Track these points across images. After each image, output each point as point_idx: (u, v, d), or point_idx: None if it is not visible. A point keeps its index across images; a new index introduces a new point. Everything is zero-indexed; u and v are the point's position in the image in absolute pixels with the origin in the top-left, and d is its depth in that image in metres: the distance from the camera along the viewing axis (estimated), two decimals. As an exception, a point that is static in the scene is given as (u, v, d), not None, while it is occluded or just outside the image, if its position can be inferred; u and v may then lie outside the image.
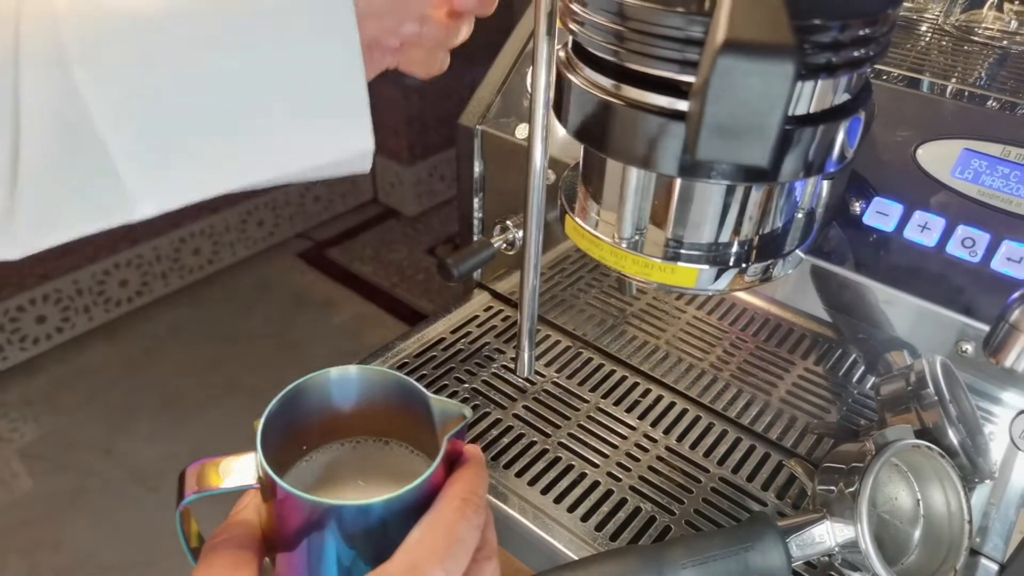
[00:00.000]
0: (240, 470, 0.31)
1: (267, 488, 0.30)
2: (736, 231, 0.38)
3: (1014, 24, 0.58)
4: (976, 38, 0.58)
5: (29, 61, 0.32)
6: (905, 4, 0.64)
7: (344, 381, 0.34)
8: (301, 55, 0.35)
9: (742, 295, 0.52)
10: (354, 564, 0.30)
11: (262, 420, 0.31)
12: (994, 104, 0.46)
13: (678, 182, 0.36)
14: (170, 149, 0.34)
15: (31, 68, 0.32)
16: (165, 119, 0.34)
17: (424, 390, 0.33)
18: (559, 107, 0.37)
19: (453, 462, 0.32)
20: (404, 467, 0.31)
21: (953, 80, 0.50)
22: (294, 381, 0.34)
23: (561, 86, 0.37)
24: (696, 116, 0.25)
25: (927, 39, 0.58)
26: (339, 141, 0.37)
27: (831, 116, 0.34)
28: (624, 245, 0.38)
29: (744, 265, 0.38)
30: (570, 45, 0.37)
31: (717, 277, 0.38)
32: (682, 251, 0.38)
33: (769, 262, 0.39)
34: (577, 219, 0.40)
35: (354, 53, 0.35)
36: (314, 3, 0.35)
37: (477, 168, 0.63)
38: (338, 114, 0.36)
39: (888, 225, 0.45)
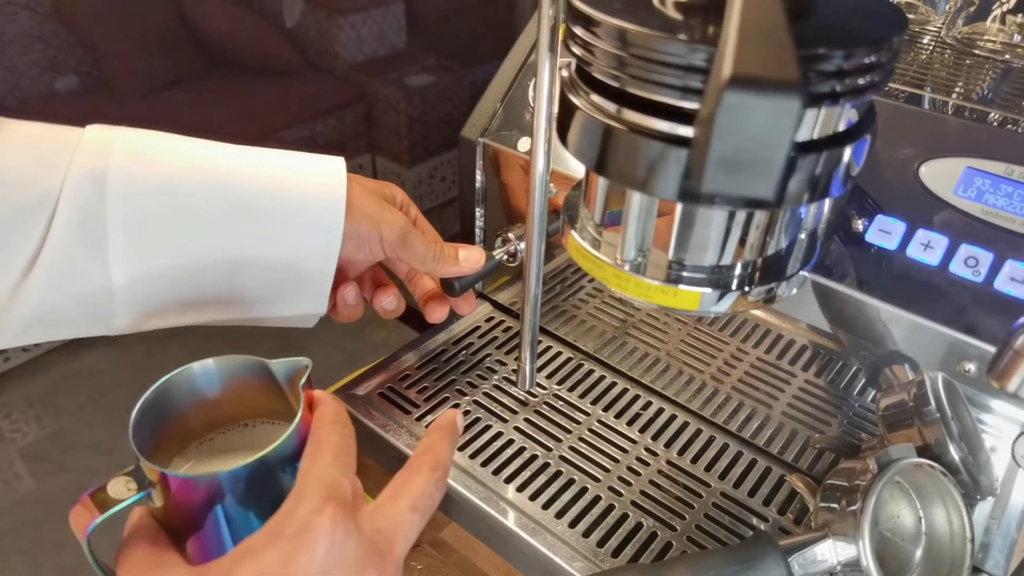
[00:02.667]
0: (128, 484, 0.33)
1: (161, 485, 0.32)
2: (739, 254, 0.38)
3: (1017, 37, 0.58)
4: (979, 51, 0.58)
5: (72, 189, 0.39)
6: (908, 16, 0.64)
7: (205, 374, 0.37)
8: (294, 249, 0.45)
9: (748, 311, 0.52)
10: (256, 521, 0.33)
11: (131, 426, 0.33)
12: (996, 122, 0.46)
13: (680, 206, 0.36)
14: (161, 285, 0.42)
15: (71, 195, 0.39)
16: (166, 264, 0.42)
17: (264, 360, 0.36)
18: (562, 128, 0.37)
19: (313, 409, 0.35)
20: (274, 437, 0.33)
21: (955, 96, 0.49)
22: (261, 361, 0.37)
23: (564, 107, 0.37)
24: (701, 148, 0.24)
25: (929, 52, 0.58)
26: (301, 308, 0.47)
27: (836, 142, 0.34)
28: (627, 267, 0.38)
29: (747, 288, 0.38)
30: (573, 66, 0.37)
31: (720, 299, 0.38)
32: (685, 274, 0.38)
33: (772, 284, 0.39)
34: (580, 239, 0.40)
35: (333, 256, 0.46)
36: (317, 214, 0.45)
37: (479, 180, 0.63)
38: (307, 293, 0.46)
39: (891, 243, 0.45)
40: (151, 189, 0.41)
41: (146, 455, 0.32)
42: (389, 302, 0.53)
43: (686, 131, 0.32)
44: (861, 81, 0.31)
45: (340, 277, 0.51)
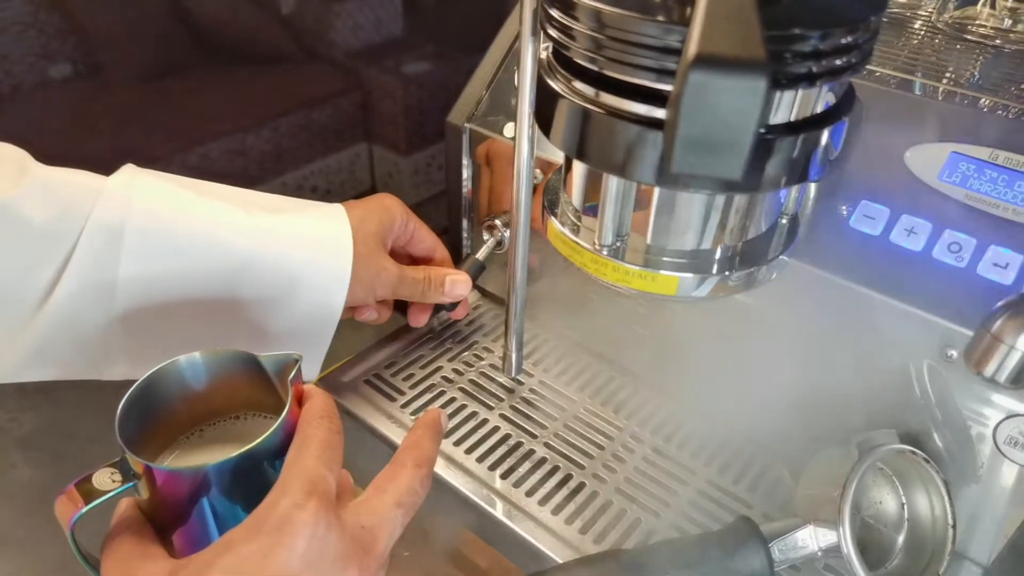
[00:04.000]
0: (113, 476, 0.33)
1: (146, 477, 0.32)
2: (718, 238, 0.37)
3: (1008, 22, 0.57)
4: (969, 36, 0.57)
5: (89, 238, 0.40)
6: (899, 1, 0.63)
7: (193, 367, 0.37)
8: (300, 314, 0.48)
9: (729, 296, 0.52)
10: (242, 514, 0.32)
11: (116, 419, 0.33)
12: (983, 107, 0.45)
13: (658, 190, 0.36)
14: (160, 339, 0.44)
15: (88, 244, 0.40)
16: (169, 322, 0.43)
17: (254, 354, 0.36)
18: (539, 112, 0.37)
19: (301, 404, 0.36)
20: (263, 431, 0.33)
21: (944, 81, 0.49)
22: (251, 355, 0.37)
23: (541, 91, 0.36)
24: (671, 129, 0.24)
25: (920, 37, 0.58)
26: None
27: (813, 124, 0.33)
28: (605, 252, 0.37)
29: (727, 272, 0.38)
30: (551, 49, 0.37)
31: (699, 284, 0.38)
32: (663, 258, 0.37)
33: (752, 269, 0.39)
34: (559, 224, 0.40)
35: (334, 321, 0.49)
36: (322, 282, 0.48)
37: (466, 166, 0.63)
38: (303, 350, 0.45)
39: (875, 229, 0.44)
40: (163, 251, 0.42)
41: (134, 447, 0.32)
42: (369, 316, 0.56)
43: (661, 114, 0.31)
44: (838, 62, 0.31)
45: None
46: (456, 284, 0.58)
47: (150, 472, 0.32)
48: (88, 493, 0.32)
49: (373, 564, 0.32)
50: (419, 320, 0.60)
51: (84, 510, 0.32)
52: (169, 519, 0.33)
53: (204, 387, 0.37)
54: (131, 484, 0.32)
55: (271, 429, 0.33)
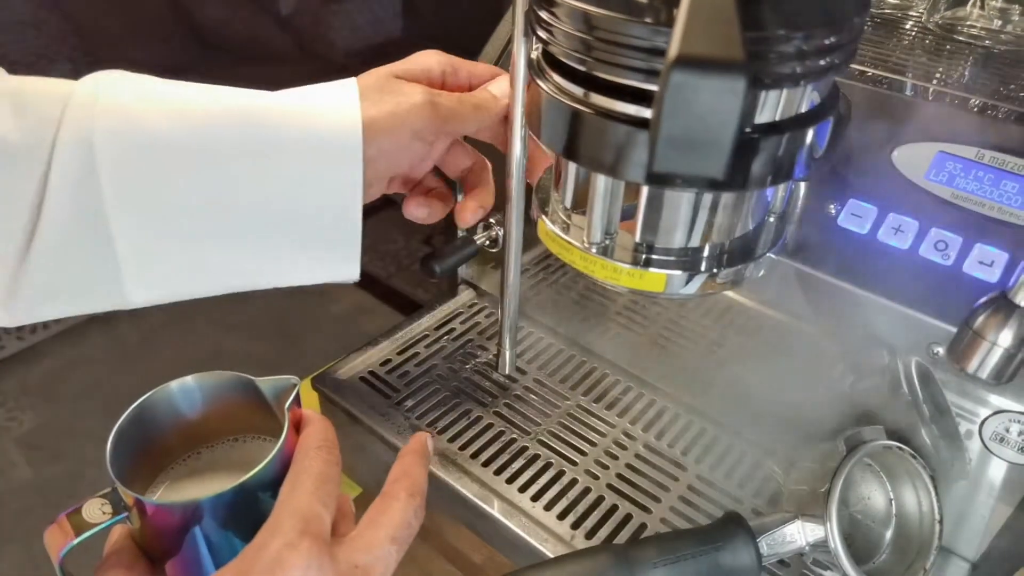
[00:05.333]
0: (103, 507, 0.32)
1: (137, 510, 0.32)
2: (705, 236, 0.38)
3: (998, 22, 0.58)
4: (960, 36, 0.58)
5: (62, 157, 0.36)
6: (890, 1, 0.63)
7: (185, 392, 0.36)
8: (306, 194, 0.38)
9: (718, 294, 0.52)
10: (238, 544, 0.32)
11: (108, 450, 0.32)
12: (971, 106, 0.46)
13: (645, 188, 0.36)
14: (170, 253, 0.38)
15: (62, 164, 0.36)
16: (171, 228, 0.38)
17: (251, 377, 0.35)
18: (529, 112, 0.37)
19: (299, 429, 0.35)
20: (261, 455, 0.33)
21: (933, 82, 0.49)
22: (248, 379, 0.36)
23: (530, 91, 0.37)
24: (654, 129, 0.25)
25: (910, 38, 0.58)
26: (328, 270, 0.40)
27: (798, 123, 0.34)
28: (594, 250, 0.38)
29: (715, 270, 0.38)
30: (540, 50, 0.37)
31: (687, 282, 0.38)
32: (652, 256, 0.38)
33: (740, 266, 0.39)
34: (549, 223, 0.41)
35: (356, 198, 0.39)
36: (325, 148, 0.38)
37: (461, 165, 0.63)
38: (332, 248, 0.40)
39: (863, 227, 0.45)
40: (139, 149, 0.37)
41: (129, 474, 0.32)
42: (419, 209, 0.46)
43: (648, 113, 0.32)
44: (822, 62, 0.32)
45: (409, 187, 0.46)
46: (496, 85, 0.45)
47: (141, 505, 0.31)
48: (78, 525, 0.32)
49: None
50: (467, 216, 0.46)
51: (74, 543, 0.31)
52: (161, 550, 0.33)
53: (198, 412, 0.36)
54: (122, 516, 0.32)
55: (266, 460, 0.32)
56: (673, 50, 0.23)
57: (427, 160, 0.44)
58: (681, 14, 0.25)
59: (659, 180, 0.33)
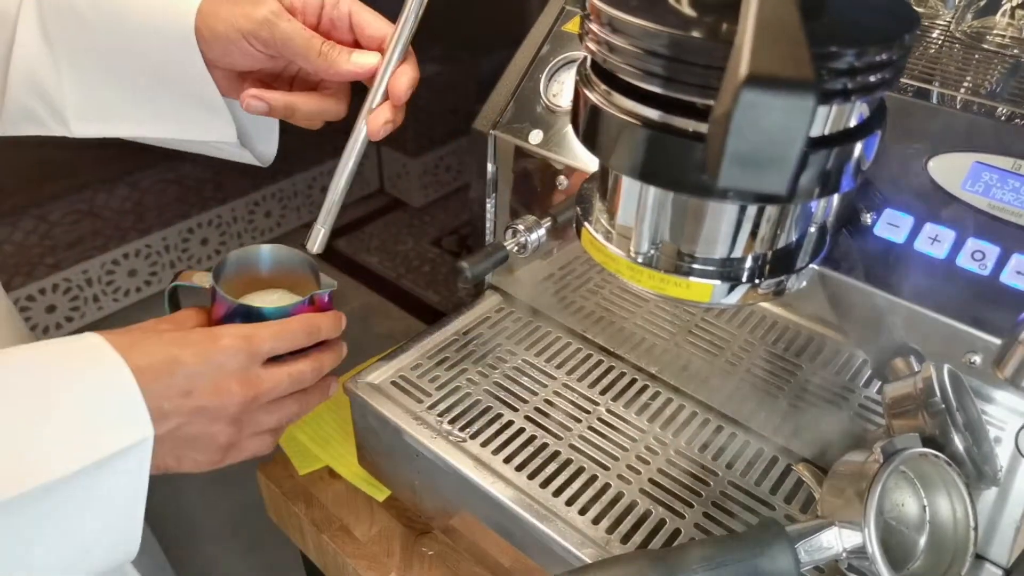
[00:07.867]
0: (202, 279, 0.50)
1: (211, 292, 0.49)
2: (750, 247, 0.38)
3: (1026, 32, 0.58)
4: (988, 45, 0.58)
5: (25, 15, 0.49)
6: (917, 10, 0.64)
7: (271, 252, 0.54)
8: (155, 48, 0.48)
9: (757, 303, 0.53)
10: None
11: (215, 266, 0.50)
12: (1004, 117, 0.46)
13: (693, 200, 0.36)
14: (91, 93, 0.50)
15: (25, 21, 0.49)
16: (94, 78, 0.50)
17: (315, 264, 0.53)
18: (577, 124, 0.38)
19: (322, 310, 0.50)
20: (285, 303, 0.49)
21: (963, 91, 0.50)
22: (312, 260, 0.53)
23: (579, 104, 0.37)
24: (717, 145, 0.25)
25: (938, 46, 0.58)
26: (203, 126, 0.52)
27: (848, 137, 0.34)
28: (640, 260, 0.38)
29: (758, 280, 0.39)
30: (588, 63, 0.38)
31: (730, 291, 0.39)
32: (696, 266, 0.38)
33: (782, 277, 0.39)
34: (593, 232, 0.41)
35: (196, 59, 0.47)
36: (168, 24, 0.48)
37: (490, 172, 0.64)
38: (201, 105, 0.51)
39: (899, 236, 0.45)
40: (59, 8, 0.49)
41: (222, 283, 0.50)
42: (250, 101, 0.48)
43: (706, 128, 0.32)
44: (872, 78, 0.32)
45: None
46: (364, 54, 0.47)
47: (214, 290, 0.48)
48: (188, 276, 0.52)
49: (253, 401, 0.44)
50: (376, 127, 0.47)
51: (176, 283, 0.53)
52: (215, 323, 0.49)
53: (269, 267, 0.54)
54: (205, 285, 0.50)
55: (281, 305, 0.48)
56: (743, 69, 0.24)
57: (259, 66, 0.49)
58: (747, 32, 0.26)
59: (715, 194, 0.34)
